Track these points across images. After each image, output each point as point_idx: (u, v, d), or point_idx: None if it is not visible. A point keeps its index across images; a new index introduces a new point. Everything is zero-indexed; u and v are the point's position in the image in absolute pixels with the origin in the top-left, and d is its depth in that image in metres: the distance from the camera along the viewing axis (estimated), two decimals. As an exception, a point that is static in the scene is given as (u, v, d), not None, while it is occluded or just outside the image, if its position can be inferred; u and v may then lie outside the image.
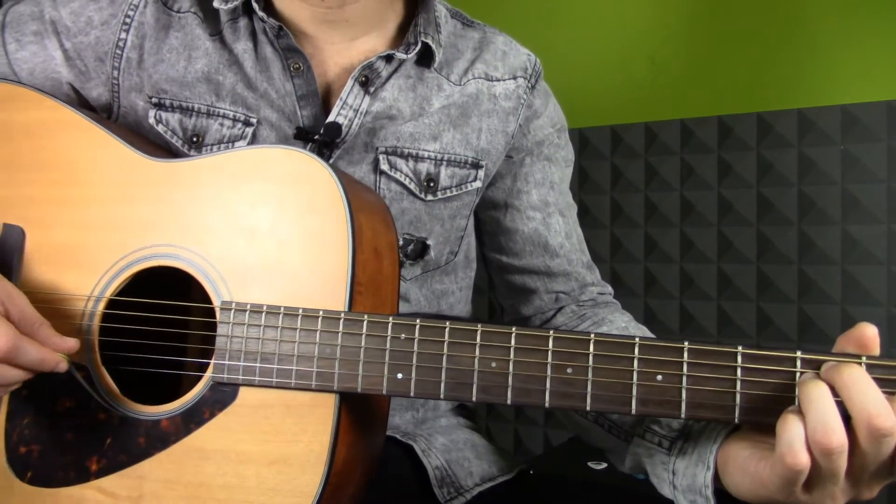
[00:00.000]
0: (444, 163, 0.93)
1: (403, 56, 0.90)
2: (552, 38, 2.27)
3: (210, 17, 0.92)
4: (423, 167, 0.92)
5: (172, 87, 0.90)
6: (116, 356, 0.79)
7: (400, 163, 0.91)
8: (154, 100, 0.91)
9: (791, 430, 0.55)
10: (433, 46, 0.91)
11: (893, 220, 1.80)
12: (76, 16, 0.92)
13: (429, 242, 0.95)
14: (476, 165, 0.95)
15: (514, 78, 0.98)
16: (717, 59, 2.04)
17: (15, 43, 0.93)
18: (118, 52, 0.91)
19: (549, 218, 1.00)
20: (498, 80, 0.97)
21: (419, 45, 0.90)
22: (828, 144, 1.88)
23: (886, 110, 1.81)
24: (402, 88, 0.92)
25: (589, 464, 1.74)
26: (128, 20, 0.91)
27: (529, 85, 0.99)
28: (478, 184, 0.96)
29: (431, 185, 0.93)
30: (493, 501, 0.94)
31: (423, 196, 0.93)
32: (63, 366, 0.72)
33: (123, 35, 0.91)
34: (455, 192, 0.95)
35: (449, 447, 0.96)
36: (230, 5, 0.89)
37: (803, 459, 0.55)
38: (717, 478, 0.66)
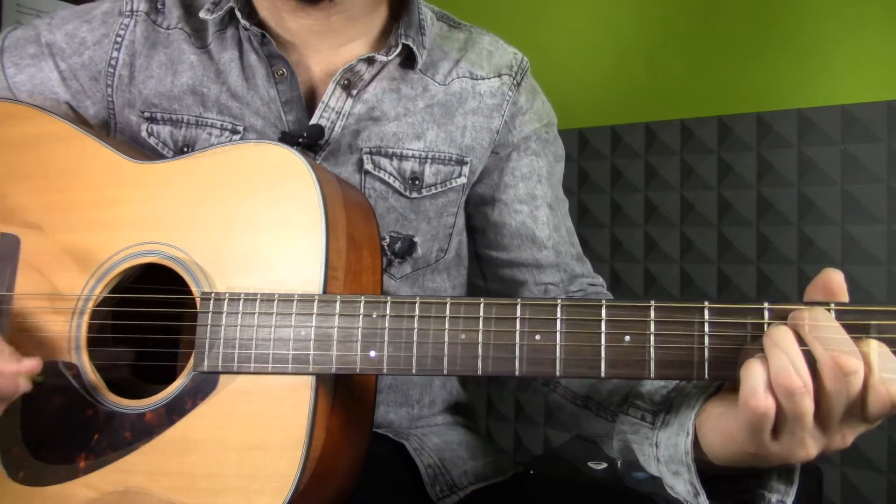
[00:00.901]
0: (429, 160, 0.94)
1: (384, 58, 0.91)
2: (552, 38, 2.27)
3: (198, 31, 0.94)
4: (408, 165, 0.93)
5: (162, 101, 0.92)
6: (108, 352, 0.79)
7: (384, 162, 0.92)
8: (146, 114, 0.93)
9: (754, 374, 0.55)
10: (414, 48, 0.92)
11: (893, 220, 1.79)
12: (70, 37, 0.94)
13: (416, 240, 0.95)
14: (460, 162, 0.96)
15: (500, 76, 0.99)
16: (717, 59, 2.04)
17: (13, 67, 0.95)
18: (111, 70, 0.94)
19: (537, 210, 1.00)
20: (483, 79, 0.98)
21: (399, 47, 0.91)
22: (828, 144, 1.87)
23: (886, 110, 1.80)
24: (385, 90, 0.93)
25: (589, 464, 1.73)
26: (119, 39, 0.93)
27: (515, 82, 1.00)
28: (462, 180, 0.96)
29: (416, 182, 0.94)
30: (487, 500, 0.93)
31: (407, 194, 0.94)
32: (24, 387, 0.72)
33: (115, 53, 0.93)
34: (440, 189, 0.95)
35: (442, 447, 0.96)
36: (216, 15, 0.91)
37: (767, 402, 0.54)
38: (698, 445, 0.65)
